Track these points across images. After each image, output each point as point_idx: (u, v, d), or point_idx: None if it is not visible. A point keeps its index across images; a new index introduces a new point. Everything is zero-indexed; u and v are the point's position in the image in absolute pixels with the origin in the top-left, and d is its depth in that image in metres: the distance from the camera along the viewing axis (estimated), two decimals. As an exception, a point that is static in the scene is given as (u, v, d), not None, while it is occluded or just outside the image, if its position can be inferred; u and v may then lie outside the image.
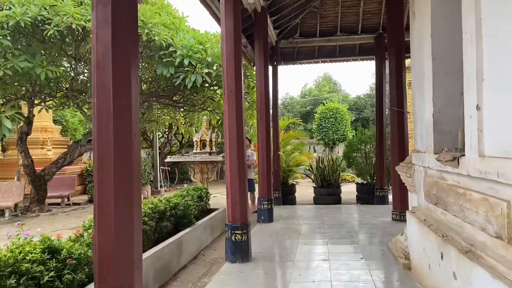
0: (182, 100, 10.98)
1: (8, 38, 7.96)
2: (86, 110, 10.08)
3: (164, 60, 8.59)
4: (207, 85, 9.82)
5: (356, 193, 10.56)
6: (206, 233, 6.38)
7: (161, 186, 14.63)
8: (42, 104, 10.17)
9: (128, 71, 2.19)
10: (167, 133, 16.79)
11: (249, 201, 9.57)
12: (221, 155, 8.82)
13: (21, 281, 2.86)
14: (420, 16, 4.27)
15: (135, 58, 2.30)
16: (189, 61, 8.47)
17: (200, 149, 8.56)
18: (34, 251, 3.11)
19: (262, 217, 7.77)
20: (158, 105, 12.40)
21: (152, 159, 15.09)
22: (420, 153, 4.32)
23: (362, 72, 61.37)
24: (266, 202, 7.78)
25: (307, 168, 11.87)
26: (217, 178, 15.64)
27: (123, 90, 2.16)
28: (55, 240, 3.54)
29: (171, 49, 8.58)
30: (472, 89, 2.81)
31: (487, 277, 2.39)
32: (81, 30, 8.16)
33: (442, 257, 3.26)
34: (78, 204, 12.63)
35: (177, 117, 13.44)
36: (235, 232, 5.00)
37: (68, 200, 12.50)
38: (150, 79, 10.84)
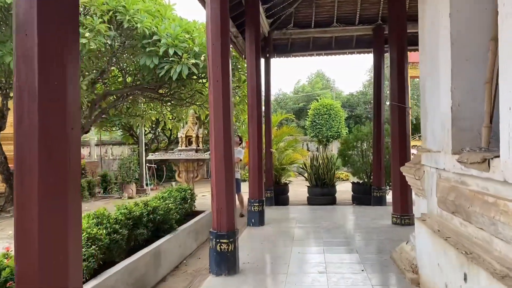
0: (168, 94, 10.34)
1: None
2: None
3: (147, 49, 7.94)
4: (195, 77, 9.20)
5: (352, 193, 10.03)
6: (190, 239, 5.78)
7: (147, 185, 13.98)
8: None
9: (62, 41, 1.59)
10: (154, 128, 16.11)
11: (237, 202, 9.03)
12: (209, 152, 8.22)
13: None
14: (434, -5, 3.71)
15: (74, 25, 1.70)
16: (175, 51, 7.83)
17: (186, 146, 7.92)
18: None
19: (253, 220, 7.19)
20: (144, 99, 11.75)
21: (138, 156, 14.41)
22: (432, 153, 3.76)
23: (356, 69, 60.96)
24: (257, 204, 7.20)
25: (301, 166, 11.31)
26: (207, 175, 15.04)
27: (54, 65, 1.56)
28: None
29: (155, 37, 7.94)
30: (510, 75, 2.25)
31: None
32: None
33: (465, 278, 2.70)
34: (59, 203, 11.95)
35: (164, 112, 12.77)
36: (221, 241, 4.41)
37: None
38: (135, 71, 10.19)
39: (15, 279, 1.68)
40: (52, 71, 1.55)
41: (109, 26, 7.61)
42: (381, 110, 9.32)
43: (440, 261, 3.23)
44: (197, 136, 7.88)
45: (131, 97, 11.04)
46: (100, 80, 9.81)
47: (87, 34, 7.31)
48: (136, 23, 7.76)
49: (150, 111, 12.84)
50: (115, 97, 10.78)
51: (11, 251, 3.16)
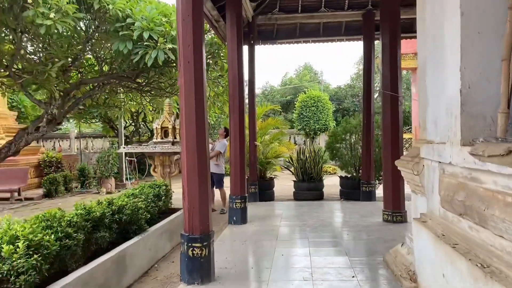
0: (146, 83, 9.69)
1: None
2: (31, 92, 8.69)
3: (121, 33, 7.29)
4: (174, 65, 8.58)
5: (340, 187, 9.57)
6: (162, 240, 5.23)
7: (127, 179, 13.34)
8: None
9: None
10: (136, 121, 15.42)
11: (220, 199, 8.49)
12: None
13: None
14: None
15: None
16: (150, 35, 7.19)
17: (162, 138, 7.31)
18: None
19: (234, 218, 6.67)
20: (122, 89, 11.07)
21: (118, 149, 13.73)
22: (434, 145, 3.26)
23: (343, 62, 60.60)
24: (239, 201, 6.68)
25: (287, 160, 10.80)
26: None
27: None
28: None
29: (128, 20, 7.29)
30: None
31: None
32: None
33: (481, 297, 2.21)
34: (31, 199, 11.26)
35: (144, 103, 12.10)
36: (193, 245, 3.87)
37: (19, 194, 11.11)
38: (111, 59, 9.50)
39: None
40: None
41: (77, 7, 6.95)
42: (371, 101, 8.84)
43: (446, 271, 2.75)
44: (174, 128, 7.28)
45: (108, 87, 10.36)
46: (73, 68, 9.12)
47: (52, 15, 6.64)
48: (107, 5, 7.11)
49: (129, 102, 12.17)
50: (91, 87, 10.10)
51: None
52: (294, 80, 35.92)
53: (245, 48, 9.08)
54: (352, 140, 9.89)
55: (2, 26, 7.71)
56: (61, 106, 9.73)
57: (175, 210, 6.22)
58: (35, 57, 8.22)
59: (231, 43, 6.81)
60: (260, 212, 7.70)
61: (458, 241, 2.71)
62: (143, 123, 15.89)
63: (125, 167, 13.29)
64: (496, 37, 2.64)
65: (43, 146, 18.66)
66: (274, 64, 55.94)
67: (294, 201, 9.16)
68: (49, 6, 6.56)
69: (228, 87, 6.98)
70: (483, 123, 2.68)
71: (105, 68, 9.81)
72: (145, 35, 7.16)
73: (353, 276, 3.97)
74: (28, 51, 8.11)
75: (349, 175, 9.75)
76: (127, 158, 13.40)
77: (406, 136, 17.12)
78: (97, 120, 16.00)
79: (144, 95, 11.13)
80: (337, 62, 58.05)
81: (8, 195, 10.70)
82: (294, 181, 9.58)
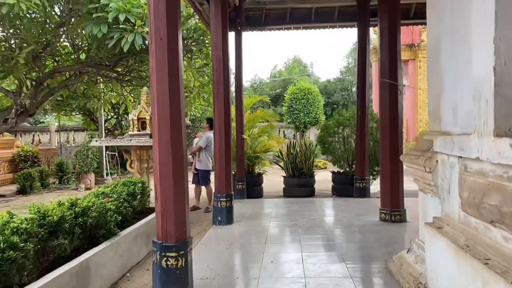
0: (126, 72, 9.02)
1: None
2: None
3: (94, 15, 6.64)
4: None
5: (332, 183, 9.07)
6: (137, 246, 4.64)
7: (107, 174, 12.65)
8: None
9: None
10: (117, 113, 14.69)
11: (205, 196, 7.92)
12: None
13: None
14: None
15: None
16: (126, 17, 6.54)
17: (138, 130, 6.69)
18: None
19: (219, 218, 6.10)
20: (101, 79, 10.36)
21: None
22: (454, 136, 2.73)
23: (333, 55, 60.10)
24: (225, 199, 6.11)
25: (277, 154, 10.25)
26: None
27: None
28: None
29: (103, 1, 6.63)
30: None
31: None
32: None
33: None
34: (3, 196, 10.55)
35: (125, 94, 11.40)
36: (167, 254, 3.29)
37: (-10, 191, 10.40)
38: (88, 46, 8.80)
39: None
40: None
41: (45, -16, 6.28)
42: (365, 91, 8.32)
43: (473, 292, 2.22)
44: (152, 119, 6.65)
45: (86, 77, 9.66)
46: (45, 55, 8.40)
47: (15, -7, 5.96)
48: (80, -17, 6.45)
49: (109, 93, 11.47)
50: (67, 76, 9.39)
51: None
52: (283, 73, 35.34)
53: (232, 35, 8.49)
54: (345, 134, 9.38)
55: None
56: (33, 97, 8.98)
57: (153, 210, 5.61)
58: (5, 44, 7.51)
59: (215, 27, 6.21)
60: (248, 210, 7.15)
61: (489, 255, 2.18)
62: (125, 115, 15.15)
63: (106, 162, 12.59)
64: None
65: (20, 139, 17.84)
66: (263, 56, 55.13)
67: (284, 197, 8.64)
68: (11, -17, 5.87)
69: (213, 73, 6.38)
70: (523, 109, 2.15)
71: (82, 56, 9.11)
72: (121, 17, 6.51)
73: (353, 289, 3.45)
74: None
75: (341, 170, 9.26)
76: (107, 152, 12.70)
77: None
78: (77, 113, 15.24)
79: (124, 85, 10.47)
80: (326, 56, 57.52)
81: (-23, 192, 9.99)
82: (284, 176, 9.06)
